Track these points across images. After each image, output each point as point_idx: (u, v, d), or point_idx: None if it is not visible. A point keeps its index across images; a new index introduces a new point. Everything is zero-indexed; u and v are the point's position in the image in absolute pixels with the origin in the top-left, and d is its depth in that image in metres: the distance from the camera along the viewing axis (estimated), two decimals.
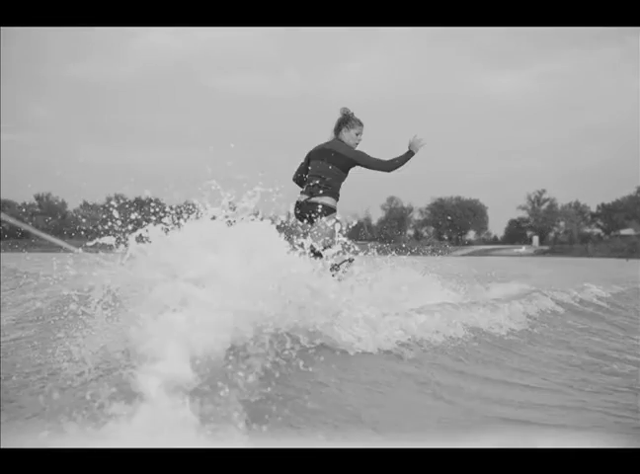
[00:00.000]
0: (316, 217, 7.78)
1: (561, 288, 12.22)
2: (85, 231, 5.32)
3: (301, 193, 8.03)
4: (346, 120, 8.26)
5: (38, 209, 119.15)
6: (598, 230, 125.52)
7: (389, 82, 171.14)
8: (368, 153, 8.21)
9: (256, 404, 3.60)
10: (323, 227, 7.78)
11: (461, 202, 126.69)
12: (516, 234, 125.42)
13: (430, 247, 10.43)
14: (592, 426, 4.33)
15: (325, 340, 5.29)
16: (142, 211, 4.90)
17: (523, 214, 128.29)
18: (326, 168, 8.06)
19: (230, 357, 4.00)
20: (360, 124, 8.30)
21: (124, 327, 4.40)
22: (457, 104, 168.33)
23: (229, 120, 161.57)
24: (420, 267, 9.48)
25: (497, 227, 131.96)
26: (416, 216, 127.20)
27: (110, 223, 4.91)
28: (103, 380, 3.94)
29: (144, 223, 4.80)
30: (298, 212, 7.90)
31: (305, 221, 7.82)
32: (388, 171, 8.24)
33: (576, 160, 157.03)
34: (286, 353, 4.73)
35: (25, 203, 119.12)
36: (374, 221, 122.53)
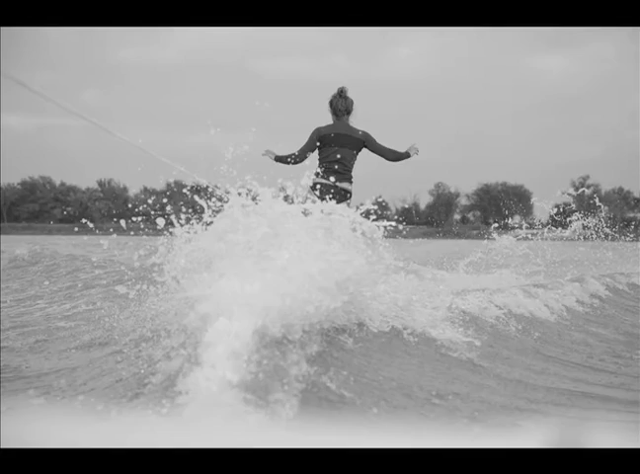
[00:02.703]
0: (339, 202, 7.85)
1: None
2: (146, 215, 5.34)
3: (323, 176, 7.99)
4: (352, 105, 8.31)
5: (100, 194, 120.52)
6: None
7: (436, 67, 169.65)
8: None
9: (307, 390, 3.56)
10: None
11: (507, 188, 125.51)
12: (560, 218, 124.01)
13: (476, 231, 10.31)
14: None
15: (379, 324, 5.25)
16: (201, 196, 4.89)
17: (568, 199, 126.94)
18: (350, 154, 8.17)
19: (284, 342, 3.97)
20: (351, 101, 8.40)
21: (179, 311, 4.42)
22: (505, 90, 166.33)
23: (276, 105, 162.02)
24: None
25: (541, 212, 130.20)
26: (463, 201, 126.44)
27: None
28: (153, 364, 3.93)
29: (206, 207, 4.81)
30: (323, 192, 7.87)
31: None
32: (392, 160, 8.35)
33: (621, 145, 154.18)
34: (338, 339, 4.71)
35: (88, 189, 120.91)
36: (422, 206, 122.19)
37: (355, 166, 8.19)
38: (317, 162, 8.16)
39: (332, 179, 7.54)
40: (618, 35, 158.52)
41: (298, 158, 8.14)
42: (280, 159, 8.20)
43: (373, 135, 8.25)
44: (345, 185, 8.05)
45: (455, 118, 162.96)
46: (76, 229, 7.26)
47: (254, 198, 4.74)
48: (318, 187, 7.92)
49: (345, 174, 8.08)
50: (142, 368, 3.89)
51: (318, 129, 8.21)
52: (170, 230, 4.83)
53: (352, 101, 8.27)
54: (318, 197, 7.74)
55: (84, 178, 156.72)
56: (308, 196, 6.77)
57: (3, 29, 4.48)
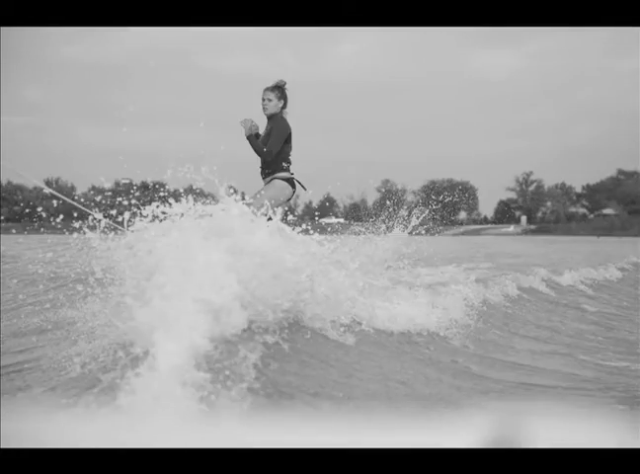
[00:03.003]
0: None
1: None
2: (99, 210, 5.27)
3: (292, 172, 8.04)
4: None
5: (47, 193, 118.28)
6: (583, 210, 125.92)
7: (382, 64, 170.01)
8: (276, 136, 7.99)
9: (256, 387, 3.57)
10: None
11: (453, 184, 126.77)
12: (504, 214, 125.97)
13: (424, 226, 10.33)
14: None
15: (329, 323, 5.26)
16: (148, 195, 4.86)
17: (512, 195, 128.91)
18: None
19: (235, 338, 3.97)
20: (268, 89, 8.08)
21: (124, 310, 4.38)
22: (448, 86, 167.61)
23: (224, 102, 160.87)
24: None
25: (487, 208, 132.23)
26: (409, 198, 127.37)
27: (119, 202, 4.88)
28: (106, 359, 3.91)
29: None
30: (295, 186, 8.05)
31: None
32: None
33: (563, 141, 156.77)
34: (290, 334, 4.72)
35: (35, 188, 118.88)
36: (370, 203, 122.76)
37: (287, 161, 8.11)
38: (279, 157, 7.98)
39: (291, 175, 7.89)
40: (561, 33, 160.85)
41: (273, 156, 7.96)
42: (254, 143, 7.92)
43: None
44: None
45: (400, 114, 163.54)
46: (26, 232, 7.16)
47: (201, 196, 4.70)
48: (295, 182, 7.95)
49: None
50: (92, 367, 3.87)
51: (289, 126, 8.11)
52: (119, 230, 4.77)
53: None
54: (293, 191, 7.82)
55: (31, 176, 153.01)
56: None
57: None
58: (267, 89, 8.05)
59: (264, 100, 8.02)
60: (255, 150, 7.88)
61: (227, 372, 3.43)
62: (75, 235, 4.70)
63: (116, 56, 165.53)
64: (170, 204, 4.59)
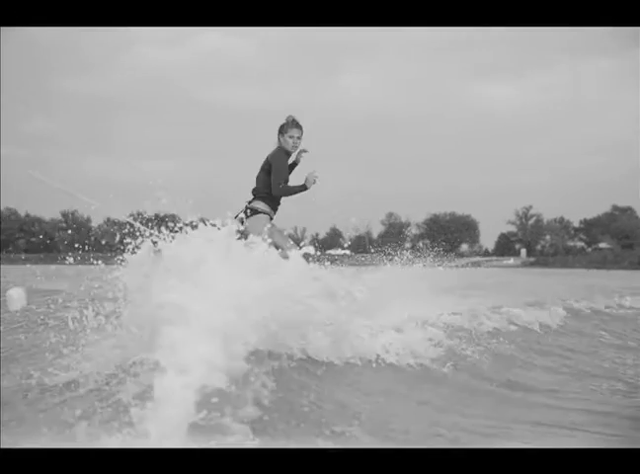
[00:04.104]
0: (245, 219, 7.76)
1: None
2: (108, 245, 5.27)
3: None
4: (281, 127, 8.02)
5: (64, 225, 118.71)
6: (581, 243, 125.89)
7: (384, 97, 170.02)
8: (281, 169, 7.86)
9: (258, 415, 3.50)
10: (248, 226, 7.61)
11: (455, 218, 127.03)
12: (505, 247, 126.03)
13: (427, 258, 10.31)
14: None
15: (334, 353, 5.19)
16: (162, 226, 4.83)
17: (512, 229, 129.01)
18: (259, 175, 8.00)
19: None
20: (296, 127, 7.97)
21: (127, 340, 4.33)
22: (452, 119, 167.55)
23: (223, 134, 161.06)
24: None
25: (488, 240, 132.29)
26: (413, 231, 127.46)
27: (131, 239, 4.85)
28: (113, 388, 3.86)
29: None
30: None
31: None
32: (275, 194, 7.85)
33: (563, 175, 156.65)
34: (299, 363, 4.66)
35: (52, 219, 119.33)
36: (375, 235, 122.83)
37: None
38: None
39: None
40: (562, 65, 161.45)
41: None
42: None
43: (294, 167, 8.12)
44: (252, 204, 7.93)
45: (402, 147, 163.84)
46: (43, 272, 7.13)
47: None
48: None
49: (253, 194, 8.00)
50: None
51: None
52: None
53: (281, 125, 8.04)
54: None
55: (47, 208, 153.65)
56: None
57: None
58: (297, 127, 7.97)
59: (292, 137, 7.93)
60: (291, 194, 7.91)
61: (236, 402, 3.38)
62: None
63: (114, 89, 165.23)
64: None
